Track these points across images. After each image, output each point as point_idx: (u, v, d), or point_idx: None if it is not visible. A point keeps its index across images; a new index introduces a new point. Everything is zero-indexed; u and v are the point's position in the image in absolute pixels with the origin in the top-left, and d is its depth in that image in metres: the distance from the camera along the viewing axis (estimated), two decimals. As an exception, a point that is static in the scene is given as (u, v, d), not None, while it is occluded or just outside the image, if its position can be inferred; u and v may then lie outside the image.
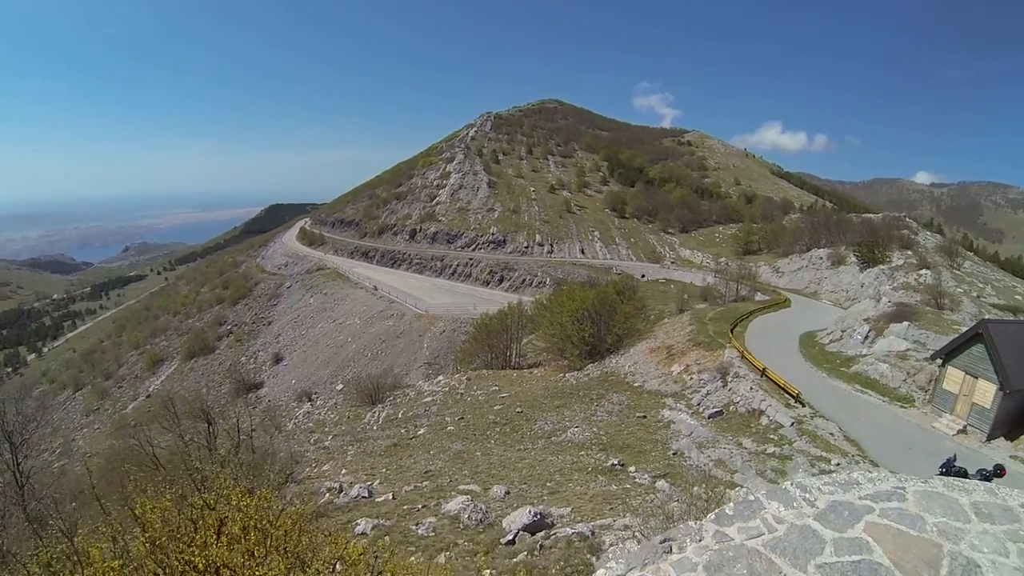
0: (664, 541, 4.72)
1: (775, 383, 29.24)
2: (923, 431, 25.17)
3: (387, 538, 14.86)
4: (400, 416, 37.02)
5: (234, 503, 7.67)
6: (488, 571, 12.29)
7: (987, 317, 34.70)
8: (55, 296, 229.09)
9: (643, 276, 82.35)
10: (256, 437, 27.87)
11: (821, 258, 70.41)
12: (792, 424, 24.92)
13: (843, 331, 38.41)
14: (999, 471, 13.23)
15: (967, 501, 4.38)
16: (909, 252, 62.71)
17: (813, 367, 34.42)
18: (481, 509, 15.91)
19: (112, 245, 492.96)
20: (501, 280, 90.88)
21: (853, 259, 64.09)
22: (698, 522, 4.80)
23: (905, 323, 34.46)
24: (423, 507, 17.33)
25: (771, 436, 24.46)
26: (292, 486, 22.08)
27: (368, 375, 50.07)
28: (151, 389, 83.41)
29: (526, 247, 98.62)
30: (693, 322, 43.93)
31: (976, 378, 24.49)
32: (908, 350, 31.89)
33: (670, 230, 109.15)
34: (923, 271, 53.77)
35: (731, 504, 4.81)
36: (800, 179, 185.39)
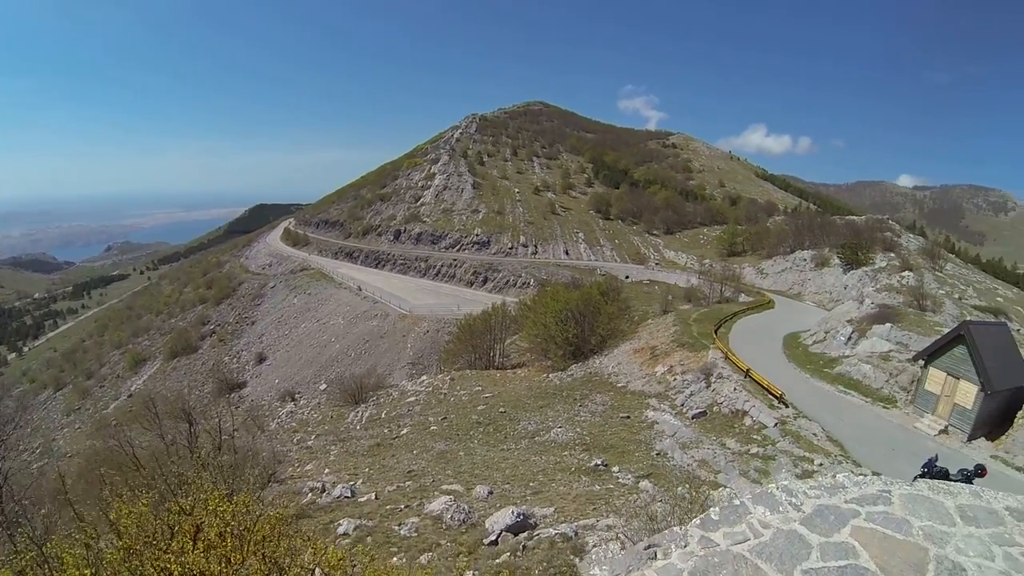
0: (649, 547, 4.65)
1: (759, 384, 29.37)
2: (905, 431, 25.41)
3: (369, 539, 14.70)
4: (383, 416, 36.75)
5: (211, 508, 7.52)
6: (470, 572, 12.18)
7: (969, 319, 35.18)
8: (36, 295, 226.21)
9: (627, 277, 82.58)
10: (238, 437, 27.54)
11: (805, 260, 70.88)
12: (775, 424, 25.05)
13: (826, 332, 38.72)
14: (980, 471, 13.32)
15: (952, 504, 4.36)
16: (892, 254, 63.31)
17: (797, 368, 34.58)
18: (464, 509, 15.80)
19: (94, 244, 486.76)
20: (485, 281, 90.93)
21: (837, 261, 64.61)
22: (683, 527, 4.74)
23: (888, 324, 34.82)
24: (406, 507, 17.18)
25: (754, 436, 24.56)
26: (274, 486, 21.82)
27: (351, 375, 49.71)
28: (133, 389, 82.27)
29: (510, 248, 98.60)
30: (677, 323, 44.04)
31: (958, 379, 24.80)
32: (891, 351, 32.22)
33: (654, 232, 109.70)
34: (906, 273, 54.37)
35: (716, 508, 4.75)
36: (784, 181, 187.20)
